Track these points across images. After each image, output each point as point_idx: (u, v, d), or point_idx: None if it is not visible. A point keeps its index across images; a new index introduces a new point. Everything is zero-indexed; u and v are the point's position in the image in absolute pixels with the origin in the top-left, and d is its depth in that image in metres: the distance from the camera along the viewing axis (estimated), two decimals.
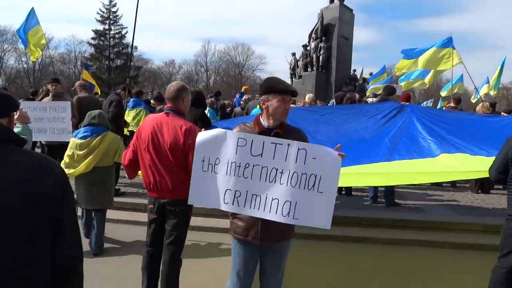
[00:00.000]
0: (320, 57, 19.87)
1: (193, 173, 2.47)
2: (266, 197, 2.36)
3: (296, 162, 2.32)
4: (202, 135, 2.49)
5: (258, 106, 7.86)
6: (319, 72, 19.96)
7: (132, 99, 8.92)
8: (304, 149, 2.33)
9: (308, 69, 20.70)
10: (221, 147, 2.41)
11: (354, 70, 22.14)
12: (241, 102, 9.69)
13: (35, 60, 11.65)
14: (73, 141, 4.84)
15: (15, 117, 3.04)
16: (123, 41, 47.35)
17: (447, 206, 6.86)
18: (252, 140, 2.36)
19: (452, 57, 11.30)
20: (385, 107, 5.49)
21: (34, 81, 44.83)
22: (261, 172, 2.35)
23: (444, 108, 11.77)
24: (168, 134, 3.17)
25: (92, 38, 46.81)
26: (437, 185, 8.60)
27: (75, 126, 6.74)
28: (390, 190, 6.61)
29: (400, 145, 4.80)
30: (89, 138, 4.75)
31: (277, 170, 2.34)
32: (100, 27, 46.69)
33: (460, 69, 19.65)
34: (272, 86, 2.52)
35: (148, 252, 3.47)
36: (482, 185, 7.99)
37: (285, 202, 2.34)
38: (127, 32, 46.94)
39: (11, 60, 48.79)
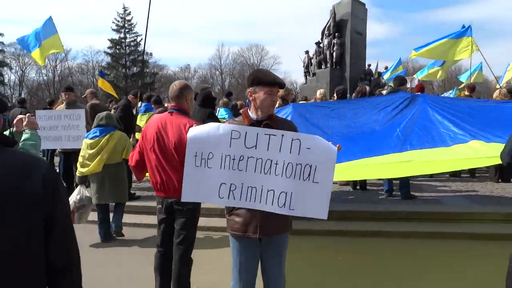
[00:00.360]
0: (334, 54, 19.74)
1: (186, 169, 2.43)
2: (262, 188, 2.34)
3: (290, 152, 2.30)
4: (194, 130, 2.46)
5: None
6: (333, 68, 19.82)
7: (143, 104, 9.03)
8: (298, 139, 2.31)
9: (322, 66, 20.59)
10: (214, 141, 2.38)
11: (369, 65, 21.86)
12: None
13: (43, 64, 11.69)
14: (85, 142, 5.32)
15: (24, 123, 3.13)
16: (138, 48, 48.09)
17: (466, 197, 6.69)
18: (246, 132, 2.35)
19: (471, 46, 11.05)
20: (396, 98, 5.41)
21: (55, 92, 46.00)
22: (256, 164, 2.34)
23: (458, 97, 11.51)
24: (173, 133, 3.20)
25: (109, 47, 47.76)
26: (455, 176, 8.41)
27: None
28: (405, 183, 6.49)
29: (412, 136, 4.72)
30: (97, 138, 5.21)
31: (271, 161, 2.33)
32: (115, 36, 47.65)
33: (479, 58, 19.10)
34: (259, 78, 2.49)
35: (160, 252, 3.51)
36: (502, 174, 7.76)
37: (280, 193, 2.32)
38: (142, 39, 47.68)
39: (32, 73, 50.35)
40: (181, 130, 3.17)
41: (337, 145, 2.38)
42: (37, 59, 10.69)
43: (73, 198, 5.22)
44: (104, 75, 16.17)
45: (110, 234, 5.51)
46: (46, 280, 1.38)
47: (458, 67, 47.36)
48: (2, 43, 45.13)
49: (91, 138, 5.24)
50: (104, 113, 5.47)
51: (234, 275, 2.63)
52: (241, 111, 7.97)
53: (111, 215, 5.66)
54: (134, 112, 8.44)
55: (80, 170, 5.33)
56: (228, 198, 2.39)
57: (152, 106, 8.31)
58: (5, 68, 46.22)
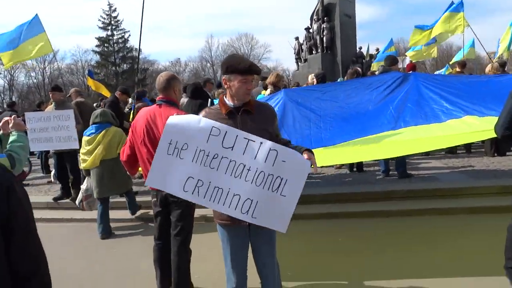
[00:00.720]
0: (324, 38, 19.56)
1: (157, 155, 2.37)
2: (229, 191, 2.29)
3: (265, 162, 2.26)
4: (175, 118, 2.39)
5: (262, 92, 7.80)
6: (324, 53, 19.67)
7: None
8: (275, 150, 2.26)
9: (313, 52, 20.42)
10: (192, 133, 2.32)
11: (360, 48, 21.72)
12: None
13: (7, 68, 11.11)
14: (83, 138, 5.65)
15: (10, 125, 3.06)
16: (126, 45, 47.64)
17: (462, 173, 6.70)
18: (226, 132, 2.29)
19: (463, 21, 11.02)
20: (388, 78, 5.36)
21: (45, 94, 45.60)
22: (229, 165, 2.28)
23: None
24: (162, 125, 3.13)
25: (96, 46, 47.25)
26: (452, 153, 8.42)
27: (80, 132, 6.85)
28: (401, 162, 6.49)
29: (405, 112, 4.68)
30: (94, 135, 5.50)
31: (244, 166, 2.27)
32: (103, 33, 47.09)
33: (471, 35, 19.02)
34: (233, 66, 2.41)
35: (158, 245, 3.50)
36: (497, 148, 7.77)
37: (246, 200, 2.27)
38: (129, 35, 47.27)
39: (21, 77, 49.83)
40: None
41: (311, 159, 2.31)
42: (4, 60, 10.17)
43: (82, 188, 5.79)
44: (93, 74, 15.80)
45: (108, 230, 5.53)
46: None
47: (449, 45, 47.34)
48: None
49: (88, 135, 5.55)
50: (99, 110, 5.74)
51: (227, 264, 2.62)
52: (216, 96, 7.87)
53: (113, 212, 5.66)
54: (126, 109, 8.36)
55: (81, 165, 5.72)
56: (192, 193, 2.32)
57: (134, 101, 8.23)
58: None
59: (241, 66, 2.39)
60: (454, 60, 20.61)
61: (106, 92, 13.22)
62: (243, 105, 2.45)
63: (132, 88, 9.20)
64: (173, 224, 3.35)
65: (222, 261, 4.16)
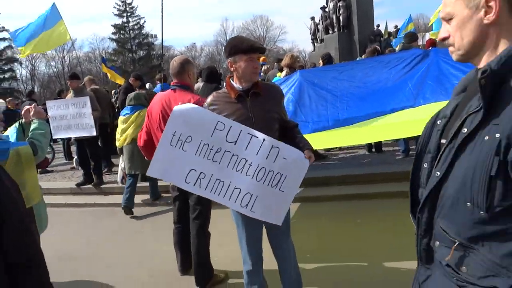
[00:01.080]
0: (340, 17, 19.10)
1: (160, 145, 2.36)
2: (230, 184, 2.33)
3: (266, 158, 2.30)
4: (180, 108, 2.37)
5: (278, 74, 7.73)
6: (341, 32, 19.24)
7: (159, 85, 8.99)
8: (277, 147, 2.31)
9: (330, 32, 20.01)
10: (197, 125, 2.31)
11: (378, 26, 21.14)
12: (261, 74, 9.52)
13: (24, 56, 11.47)
14: (120, 118, 6.12)
15: (31, 113, 3.13)
16: (142, 31, 47.76)
17: None
18: (231, 126, 2.30)
19: None
20: (407, 55, 5.21)
21: (65, 83, 46.42)
22: (231, 159, 2.32)
23: None
24: None
25: (113, 33, 47.50)
26: None
27: (99, 119, 6.95)
28: None
29: (425, 89, 4.56)
30: (128, 115, 5.93)
31: (246, 161, 2.31)
32: (118, 20, 47.27)
33: None
34: (237, 47, 2.38)
35: (178, 229, 3.57)
36: None
37: (246, 194, 2.33)
38: (144, 21, 47.32)
39: (42, 66, 50.72)
40: None
41: (310, 158, 2.34)
42: (26, 51, 10.29)
43: (120, 166, 6.33)
44: (106, 61, 15.87)
45: (131, 204, 5.80)
46: (6, 281, 1.31)
47: None
48: (10, 39, 45.34)
49: (124, 115, 6.00)
50: (133, 94, 6.20)
51: (242, 247, 2.66)
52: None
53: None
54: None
55: (117, 144, 6.15)
56: (194, 185, 2.35)
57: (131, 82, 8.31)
58: (15, 63, 46.63)
59: (244, 45, 2.37)
60: None
61: (120, 80, 13.35)
62: (252, 87, 2.43)
63: (149, 74, 9.23)
64: (191, 208, 3.39)
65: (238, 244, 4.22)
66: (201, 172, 2.33)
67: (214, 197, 2.36)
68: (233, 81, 2.48)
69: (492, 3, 1.05)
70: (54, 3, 10.25)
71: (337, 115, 4.68)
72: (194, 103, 3.10)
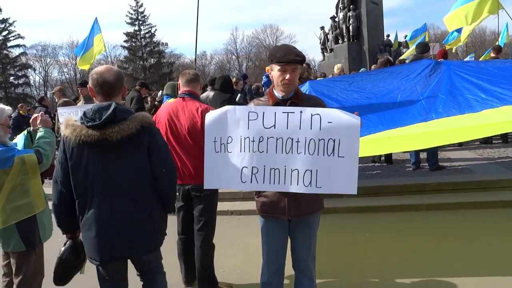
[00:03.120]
0: (350, 27, 19.11)
1: (206, 156, 2.36)
2: (285, 169, 2.25)
3: (311, 128, 2.20)
4: (211, 115, 2.37)
5: None
6: (350, 42, 19.23)
7: (165, 96, 9.04)
8: (318, 114, 2.20)
9: (339, 41, 20.02)
10: (232, 124, 2.30)
11: (388, 36, 21.12)
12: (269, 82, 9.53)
13: (87, 69, 12.36)
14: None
15: (38, 121, 3.12)
16: (153, 39, 48.27)
17: (499, 164, 6.38)
18: (264, 112, 2.24)
19: (498, 3, 10.47)
20: (419, 66, 5.14)
21: (77, 90, 46.99)
22: (277, 144, 2.24)
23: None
24: (185, 118, 3.14)
25: (125, 41, 48.07)
26: (486, 143, 8.05)
27: None
28: (432, 154, 6.24)
29: (437, 104, 4.47)
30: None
31: (292, 139, 2.22)
32: (130, 29, 47.88)
33: (506, 19, 18.09)
34: (273, 55, 2.37)
35: (181, 240, 3.51)
36: None
37: (305, 172, 2.22)
38: (156, 30, 47.87)
39: (55, 72, 51.49)
40: (194, 115, 3.12)
41: (355, 113, 2.25)
42: (82, 65, 11.71)
43: None
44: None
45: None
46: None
47: (482, 29, 45.36)
48: (24, 45, 46.17)
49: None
50: (170, 83, 6.17)
51: (264, 255, 2.58)
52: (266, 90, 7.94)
53: None
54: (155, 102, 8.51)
55: None
56: (251, 182, 2.30)
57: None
58: (29, 70, 47.40)
59: (279, 54, 2.33)
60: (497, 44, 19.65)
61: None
62: (292, 97, 2.39)
63: (159, 82, 9.32)
64: (196, 219, 3.34)
65: (246, 256, 4.15)
66: (253, 167, 2.28)
67: (276, 188, 2.30)
68: (274, 89, 2.46)
69: None
70: (96, 17, 11.44)
71: None
72: (202, 111, 3.09)
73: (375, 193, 5.73)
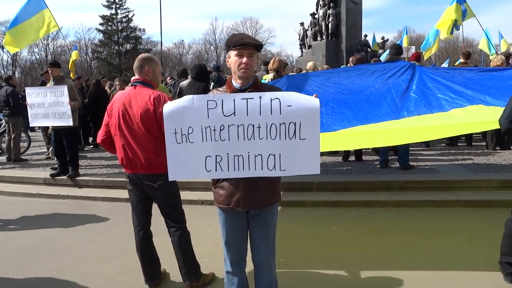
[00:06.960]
0: (329, 25, 19.24)
1: (168, 148, 2.32)
2: (249, 155, 2.25)
3: (271, 113, 2.19)
4: (169, 106, 2.31)
5: (264, 77, 7.70)
6: (329, 40, 19.38)
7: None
8: (277, 98, 2.19)
9: (318, 38, 20.14)
10: (191, 114, 2.26)
11: (365, 36, 21.42)
12: None
13: (14, 52, 10.81)
14: None
15: None
16: (130, 24, 47.15)
17: (462, 165, 6.65)
18: (222, 100, 2.22)
19: (469, 10, 10.85)
20: (394, 66, 5.27)
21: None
22: (238, 131, 2.23)
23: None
24: (138, 106, 3.06)
25: (100, 24, 46.73)
26: (452, 145, 8.36)
27: (78, 109, 6.77)
28: (404, 152, 6.43)
29: (409, 102, 4.61)
30: None
31: (253, 126, 2.22)
32: (106, 12, 46.52)
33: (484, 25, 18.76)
34: (229, 41, 2.34)
35: (139, 234, 3.40)
36: (500, 141, 7.69)
37: (269, 156, 2.24)
38: (133, 15, 46.77)
39: (24, 52, 49.35)
40: (146, 102, 3.05)
41: (314, 95, 2.25)
42: (8, 46, 9.76)
43: None
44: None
45: None
46: None
47: (456, 35, 46.75)
48: None
49: None
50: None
51: (223, 247, 2.58)
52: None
53: None
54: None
55: None
56: (216, 170, 2.28)
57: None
58: None
59: (235, 39, 2.32)
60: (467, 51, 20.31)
61: (72, 74, 13.37)
62: (250, 87, 2.37)
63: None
64: (160, 210, 3.30)
65: (214, 245, 4.14)
66: (216, 156, 2.27)
67: (241, 174, 2.28)
68: (233, 79, 2.43)
69: None
70: None
71: (321, 120, 4.69)
72: (154, 98, 3.05)
73: (344, 188, 5.85)
